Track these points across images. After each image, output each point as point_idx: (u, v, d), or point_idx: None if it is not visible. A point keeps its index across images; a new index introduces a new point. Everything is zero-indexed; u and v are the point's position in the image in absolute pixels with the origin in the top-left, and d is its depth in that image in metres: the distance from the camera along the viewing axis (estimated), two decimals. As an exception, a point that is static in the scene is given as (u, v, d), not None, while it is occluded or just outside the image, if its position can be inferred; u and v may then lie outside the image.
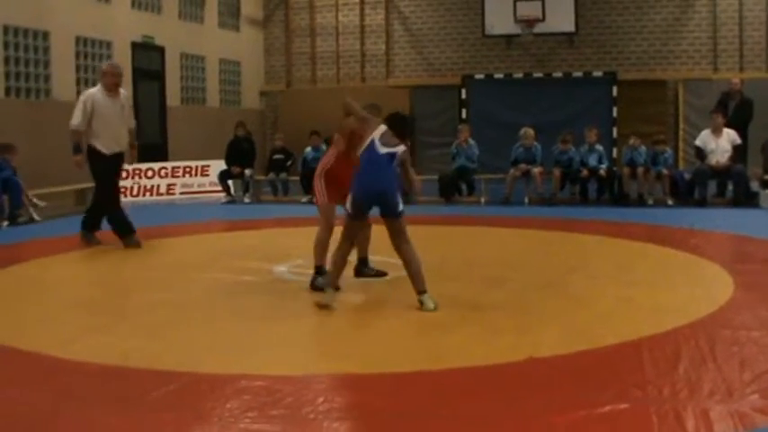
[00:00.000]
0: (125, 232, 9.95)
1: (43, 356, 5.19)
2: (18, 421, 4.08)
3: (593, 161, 14.81)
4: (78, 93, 16.70)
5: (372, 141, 6.76)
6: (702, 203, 13.70)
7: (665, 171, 14.35)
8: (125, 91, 10.28)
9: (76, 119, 9.76)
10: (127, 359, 5.06)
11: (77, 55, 16.74)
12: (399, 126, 6.89)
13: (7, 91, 15.01)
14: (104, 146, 9.82)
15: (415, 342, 5.46)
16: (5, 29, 14.90)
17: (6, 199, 12.80)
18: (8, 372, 5.02)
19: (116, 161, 10.00)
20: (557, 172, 14.81)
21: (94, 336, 5.76)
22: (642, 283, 7.33)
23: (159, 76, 19.46)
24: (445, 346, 5.33)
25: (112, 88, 9.86)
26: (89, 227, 10.07)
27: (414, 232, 11.02)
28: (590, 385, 4.49)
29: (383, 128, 6.83)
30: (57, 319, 6.38)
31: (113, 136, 9.88)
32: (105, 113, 9.76)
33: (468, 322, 5.97)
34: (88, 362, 5.03)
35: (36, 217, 13.22)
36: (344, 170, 7.25)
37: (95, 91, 9.94)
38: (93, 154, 9.88)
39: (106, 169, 9.91)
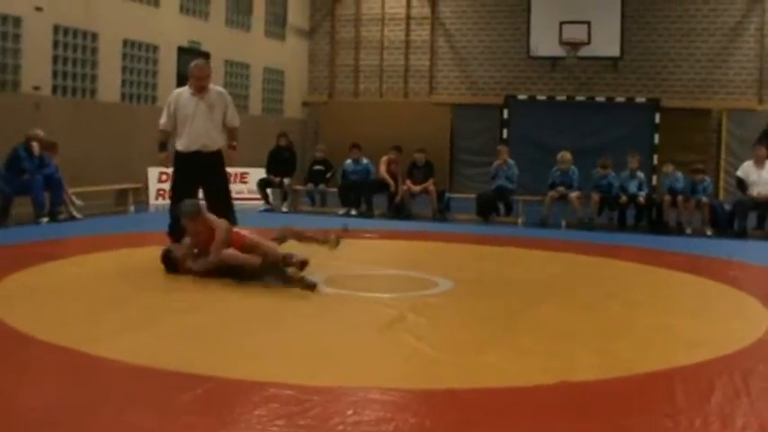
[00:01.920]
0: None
1: (78, 353, 5.22)
2: (48, 417, 4.08)
3: (633, 188, 14.69)
4: (123, 95, 16.93)
5: None
6: (742, 235, 13.54)
7: (704, 200, 14.21)
8: (221, 89, 9.89)
9: (162, 119, 9.60)
10: (157, 360, 5.06)
11: (124, 57, 16.92)
12: None
13: (54, 89, 15.17)
14: (182, 144, 9.52)
15: (446, 360, 5.41)
16: (56, 28, 15.07)
17: (47, 195, 12.92)
18: (43, 367, 5.06)
19: (196, 160, 9.48)
20: (595, 196, 14.71)
21: (127, 335, 5.78)
22: (679, 313, 7.24)
23: (204, 82, 19.57)
24: (477, 366, 5.27)
25: (197, 90, 9.51)
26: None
27: (448, 250, 11.12)
28: (621, 412, 4.43)
29: None
30: (93, 316, 6.42)
31: (194, 135, 9.46)
32: (186, 113, 9.43)
33: (500, 342, 5.92)
34: (120, 360, 5.05)
35: (77, 215, 13.33)
36: None
37: (182, 90, 9.71)
38: (175, 155, 9.67)
39: (180, 167, 9.58)
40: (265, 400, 4.35)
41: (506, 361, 5.40)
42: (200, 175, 9.49)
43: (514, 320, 6.71)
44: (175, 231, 9.28)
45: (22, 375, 4.85)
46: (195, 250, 8.34)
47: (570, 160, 15.18)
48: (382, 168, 15.98)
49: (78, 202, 13.72)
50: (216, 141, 9.59)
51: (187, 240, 8.50)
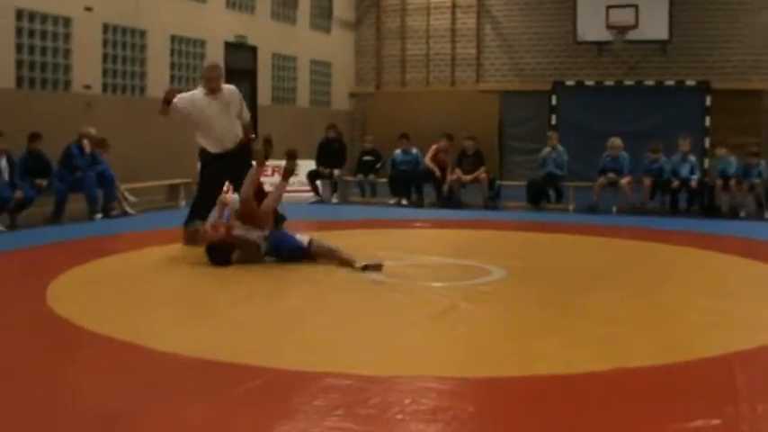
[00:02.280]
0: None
1: (136, 346, 5.30)
2: (109, 411, 4.15)
3: (684, 171, 14.54)
4: (172, 91, 17.06)
5: None
6: (797, 218, 13.36)
7: (758, 183, 14.02)
8: (232, 87, 10.17)
9: (172, 113, 9.79)
10: (214, 352, 5.12)
11: (172, 53, 17.05)
12: None
13: (104, 87, 15.34)
14: (209, 146, 9.89)
15: (501, 348, 5.41)
16: (105, 27, 15.23)
17: (100, 192, 13.08)
18: (102, 361, 5.14)
19: (224, 159, 9.81)
20: (647, 181, 14.59)
21: (183, 327, 5.86)
22: (735, 297, 7.17)
23: (251, 76, 19.69)
24: (531, 353, 5.26)
25: (210, 91, 9.78)
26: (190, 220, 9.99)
27: (500, 238, 11.10)
28: (680, 399, 4.39)
29: None
30: (148, 309, 6.51)
31: (217, 137, 9.81)
32: (204, 115, 9.70)
33: (554, 329, 5.90)
34: (177, 353, 5.11)
35: (130, 210, 13.50)
36: None
37: (194, 92, 9.99)
38: (202, 152, 10.05)
39: (208, 166, 9.97)
40: (324, 390, 4.38)
41: (561, 348, 5.39)
42: (227, 171, 9.90)
43: (568, 307, 6.68)
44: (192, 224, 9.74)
45: (82, 369, 4.95)
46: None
47: (620, 146, 15.07)
48: (428, 157, 15.96)
49: (131, 198, 13.89)
50: (237, 136, 9.94)
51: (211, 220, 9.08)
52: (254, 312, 6.45)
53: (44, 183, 12.22)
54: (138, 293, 7.22)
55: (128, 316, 6.27)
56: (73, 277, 7.83)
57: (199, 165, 10.33)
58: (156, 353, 5.16)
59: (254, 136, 10.26)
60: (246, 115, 10.18)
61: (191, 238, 9.55)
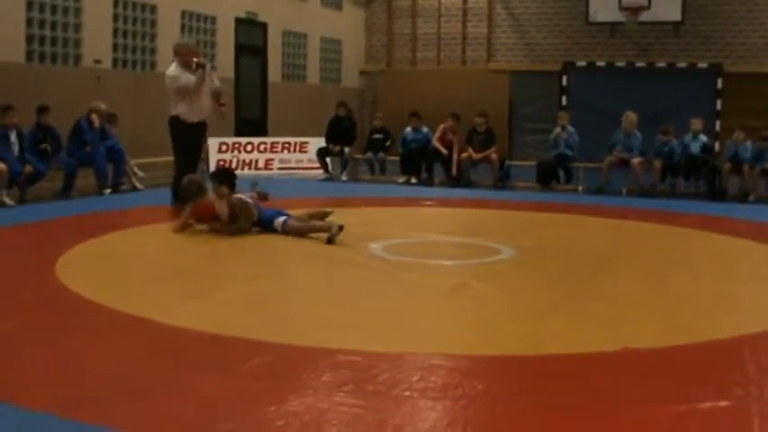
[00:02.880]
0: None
1: (146, 321, 5.33)
2: (119, 385, 4.17)
3: (695, 149, 14.57)
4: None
5: None
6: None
7: (769, 167, 13.99)
8: (202, 59, 10.61)
9: (183, 81, 10.22)
10: (225, 327, 5.15)
11: (182, 29, 17.03)
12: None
13: (114, 62, 15.34)
14: (189, 115, 10.27)
15: (510, 327, 5.42)
16: (116, 1, 15.24)
17: (110, 167, 13.10)
18: (113, 335, 5.16)
19: (199, 129, 10.52)
20: (657, 163, 14.55)
21: (194, 302, 5.88)
22: (745, 281, 7.17)
23: (261, 52, 19.68)
24: (540, 333, 5.28)
25: (186, 66, 10.27)
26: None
27: (509, 217, 11.11)
28: (688, 380, 4.39)
29: None
30: (158, 284, 6.53)
31: (199, 107, 10.35)
32: (190, 86, 10.17)
33: (563, 311, 5.91)
34: (187, 327, 5.14)
35: (139, 185, 13.52)
36: None
37: (176, 66, 10.37)
38: (176, 122, 10.32)
39: (186, 135, 10.32)
40: (333, 367, 4.41)
41: (570, 328, 5.40)
42: (199, 140, 10.78)
43: (577, 288, 6.70)
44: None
45: (93, 343, 4.97)
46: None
47: (635, 121, 14.98)
48: (436, 137, 15.94)
49: (140, 173, 13.91)
50: (207, 109, 10.56)
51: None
52: (263, 288, 6.47)
53: (48, 147, 12.24)
54: (147, 268, 7.26)
55: (138, 290, 6.30)
56: (82, 252, 7.86)
57: (171, 134, 10.53)
58: (167, 327, 5.19)
59: (224, 101, 10.77)
60: (218, 82, 10.79)
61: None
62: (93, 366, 4.48)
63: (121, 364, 4.51)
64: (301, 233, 8.71)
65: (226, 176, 9.16)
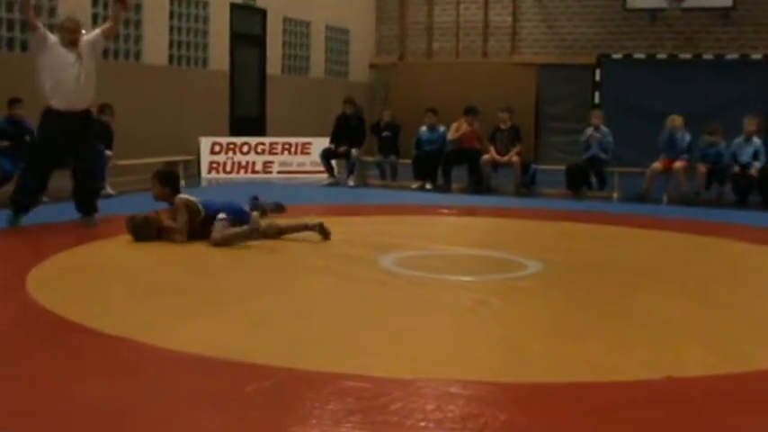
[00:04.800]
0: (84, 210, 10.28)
1: (130, 342, 5.32)
2: (103, 414, 4.17)
3: (747, 156, 14.40)
4: (171, 57, 17.10)
5: None
6: None
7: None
8: (86, 37, 10.23)
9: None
10: (219, 349, 5.14)
11: (171, 15, 17.11)
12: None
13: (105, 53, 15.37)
14: (55, 100, 9.85)
15: (536, 350, 5.41)
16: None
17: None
18: (94, 358, 5.15)
19: (66, 120, 9.88)
20: (702, 168, 14.50)
21: (184, 322, 5.87)
22: (802, 301, 7.14)
23: (259, 42, 19.72)
24: (570, 357, 5.26)
25: (70, 43, 9.91)
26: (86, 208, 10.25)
27: (535, 228, 11.09)
28: (738, 413, 4.38)
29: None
30: (144, 301, 6.53)
31: (67, 92, 9.88)
32: (60, 64, 9.82)
33: (596, 332, 5.89)
34: (177, 350, 5.13)
35: (110, 191, 13.51)
36: None
37: (53, 38, 10.00)
38: (46, 112, 9.96)
39: (48, 125, 9.94)
40: (339, 394, 4.40)
41: (604, 352, 5.38)
42: (69, 138, 9.88)
43: (611, 307, 6.68)
44: (23, 202, 9.92)
45: (72, 367, 4.95)
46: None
47: (680, 125, 14.88)
48: (450, 135, 15.97)
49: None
50: (87, 96, 10.08)
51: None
52: (262, 306, 6.47)
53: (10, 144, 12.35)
54: (132, 283, 7.25)
55: (120, 308, 6.30)
56: (57, 264, 7.89)
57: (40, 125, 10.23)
58: (154, 349, 5.18)
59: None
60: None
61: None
62: (66, 393, 4.46)
63: (99, 390, 4.49)
64: (230, 241, 8.90)
65: (169, 178, 9.45)
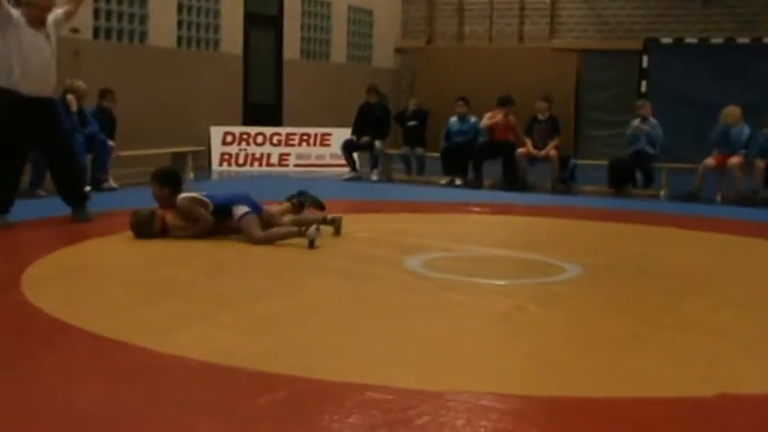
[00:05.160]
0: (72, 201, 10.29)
1: (133, 347, 5.32)
2: (100, 421, 4.17)
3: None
4: (179, 39, 17.13)
5: None
6: None
7: None
8: (55, 13, 10.09)
9: None
10: (228, 356, 5.13)
11: (179, -6, 17.13)
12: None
13: (95, 32, 15.42)
14: (24, 84, 9.67)
15: (575, 362, 5.37)
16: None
17: (90, 159, 13.16)
18: (94, 363, 5.15)
19: (30, 107, 9.74)
20: (760, 164, 14.42)
21: (192, 326, 5.87)
22: None
23: (276, 23, 19.74)
24: (613, 370, 5.23)
25: (37, 22, 9.75)
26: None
27: (575, 228, 11.05)
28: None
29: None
30: (147, 304, 6.53)
31: (35, 75, 9.74)
32: (22, 40, 9.62)
33: (644, 343, 5.85)
34: (184, 356, 5.13)
35: (113, 184, 13.56)
36: None
37: (18, 14, 9.80)
38: (7, 94, 9.71)
39: (12, 117, 9.73)
40: (361, 406, 4.38)
41: (651, 365, 5.34)
42: (36, 126, 9.79)
43: (659, 316, 6.63)
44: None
45: (68, 372, 4.96)
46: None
47: (738, 117, 14.77)
48: (483, 123, 15.97)
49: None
50: (54, 81, 10.07)
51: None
52: (275, 309, 6.46)
53: None
54: (134, 284, 7.26)
55: (121, 310, 6.30)
56: (53, 263, 7.90)
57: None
58: (157, 355, 5.18)
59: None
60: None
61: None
62: (61, 399, 4.47)
63: (96, 396, 4.49)
64: (273, 239, 9.01)
65: (168, 177, 9.47)
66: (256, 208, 9.20)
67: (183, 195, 9.22)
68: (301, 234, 8.92)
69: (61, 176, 10.29)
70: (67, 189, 10.27)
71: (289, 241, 8.95)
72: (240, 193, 9.38)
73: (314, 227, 8.88)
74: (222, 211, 9.13)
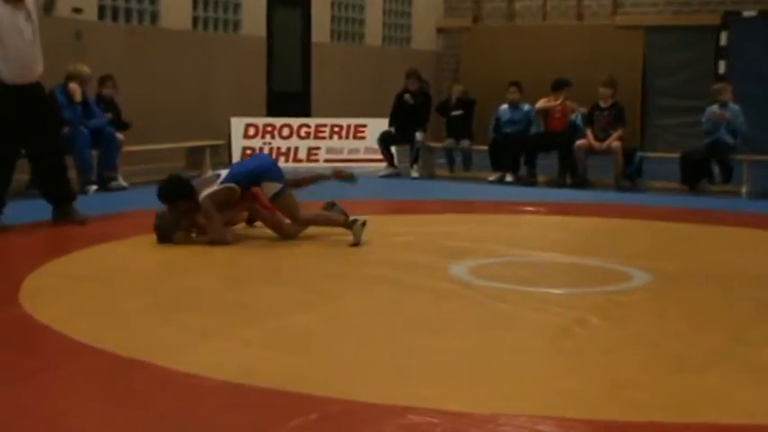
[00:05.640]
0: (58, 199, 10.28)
1: (146, 365, 5.35)
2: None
3: None
4: (195, 20, 17.19)
5: None
6: None
7: None
8: None
9: None
10: (254, 375, 5.15)
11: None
12: None
13: (101, 12, 15.50)
14: (7, 70, 9.70)
15: (645, 382, 5.35)
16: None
17: (96, 156, 13.22)
18: (103, 384, 5.17)
19: (27, 96, 9.87)
20: None
21: (211, 341, 5.90)
22: None
23: (302, 3, 19.76)
24: (690, 392, 5.19)
25: (14, 0, 9.75)
26: None
27: (643, 230, 11.00)
28: None
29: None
30: (160, 316, 6.57)
31: (19, 59, 9.76)
32: (10, 31, 9.67)
33: (728, 361, 5.81)
34: (203, 376, 5.14)
35: (123, 183, 13.61)
36: None
37: None
38: None
39: (6, 108, 9.79)
40: (401, 431, 4.39)
41: (732, 386, 5.30)
42: (26, 117, 9.82)
43: (740, 330, 6.58)
44: None
45: (76, 395, 4.98)
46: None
47: None
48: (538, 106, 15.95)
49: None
50: (40, 65, 9.99)
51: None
52: (306, 323, 6.46)
53: None
54: (145, 294, 7.29)
55: (133, 325, 6.34)
56: (56, 270, 7.98)
57: None
58: (173, 375, 5.20)
59: None
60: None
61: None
62: (63, 423, 4.49)
63: (107, 424, 4.51)
64: (310, 222, 9.36)
65: (175, 189, 9.30)
66: (284, 180, 9.33)
67: (204, 194, 9.18)
68: (347, 225, 9.04)
69: (45, 171, 10.32)
70: (51, 185, 10.29)
71: (322, 247, 8.96)
72: (266, 162, 9.45)
73: (360, 221, 9.03)
74: (249, 186, 9.25)
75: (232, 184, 9.13)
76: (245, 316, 6.64)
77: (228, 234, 9.17)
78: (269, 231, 9.58)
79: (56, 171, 10.31)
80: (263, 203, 9.41)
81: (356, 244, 9.01)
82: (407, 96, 16.66)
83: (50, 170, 10.29)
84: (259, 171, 9.27)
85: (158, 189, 9.34)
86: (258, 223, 9.82)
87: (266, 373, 5.20)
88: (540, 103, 15.98)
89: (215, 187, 9.21)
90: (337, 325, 6.51)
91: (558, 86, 16.01)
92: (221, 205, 9.15)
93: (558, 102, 15.88)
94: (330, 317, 6.73)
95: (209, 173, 9.54)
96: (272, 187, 9.17)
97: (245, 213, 9.67)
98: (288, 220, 9.43)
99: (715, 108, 15.46)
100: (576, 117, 15.87)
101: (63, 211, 10.21)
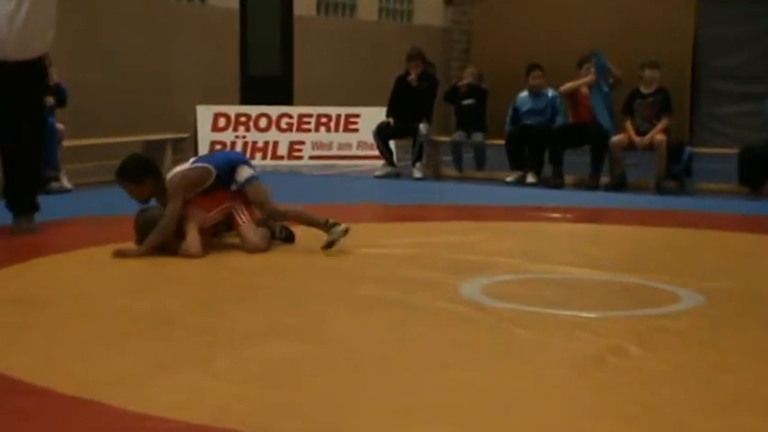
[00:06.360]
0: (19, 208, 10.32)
1: (96, 405, 5.33)
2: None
3: None
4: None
5: None
6: None
7: None
8: None
9: None
10: (227, 416, 5.16)
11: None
12: None
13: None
14: None
15: (698, 423, 5.36)
16: None
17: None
18: (40, 426, 5.15)
19: (6, 77, 9.96)
20: None
21: (176, 375, 5.90)
22: None
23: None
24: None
25: None
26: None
27: (692, 241, 11.01)
28: None
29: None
30: (114, 346, 6.56)
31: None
32: None
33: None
34: (165, 417, 5.13)
35: (67, 184, 13.61)
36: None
37: None
38: None
39: None
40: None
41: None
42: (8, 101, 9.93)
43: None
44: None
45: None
46: None
47: None
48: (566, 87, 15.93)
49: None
50: (32, 41, 9.97)
51: None
52: (290, 353, 6.46)
53: None
54: (95, 317, 7.30)
55: (78, 355, 6.34)
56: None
57: None
58: (129, 416, 5.18)
59: None
60: None
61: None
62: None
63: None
64: (281, 214, 9.51)
65: (140, 169, 9.33)
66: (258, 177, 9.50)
67: (174, 170, 9.29)
68: (327, 227, 9.20)
69: (21, 170, 10.31)
70: (22, 189, 10.33)
71: (307, 262, 8.99)
72: (239, 154, 9.55)
73: (343, 226, 9.20)
74: (225, 175, 9.31)
75: (207, 165, 9.18)
76: (217, 344, 6.64)
77: (196, 240, 9.18)
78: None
79: (27, 173, 10.37)
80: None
81: (330, 244, 9.18)
82: (410, 78, 16.66)
83: (20, 173, 10.30)
84: (234, 156, 9.37)
85: (121, 167, 9.34)
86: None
87: (241, 413, 5.20)
88: (566, 86, 15.92)
89: (187, 165, 9.24)
90: (327, 355, 6.51)
91: (586, 59, 15.97)
92: (191, 194, 9.19)
93: (587, 79, 15.82)
94: (318, 345, 6.72)
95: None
96: (246, 171, 9.27)
97: (218, 217, 9.60)
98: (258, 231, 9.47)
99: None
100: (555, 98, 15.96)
101: (18, 222, 10.29)
